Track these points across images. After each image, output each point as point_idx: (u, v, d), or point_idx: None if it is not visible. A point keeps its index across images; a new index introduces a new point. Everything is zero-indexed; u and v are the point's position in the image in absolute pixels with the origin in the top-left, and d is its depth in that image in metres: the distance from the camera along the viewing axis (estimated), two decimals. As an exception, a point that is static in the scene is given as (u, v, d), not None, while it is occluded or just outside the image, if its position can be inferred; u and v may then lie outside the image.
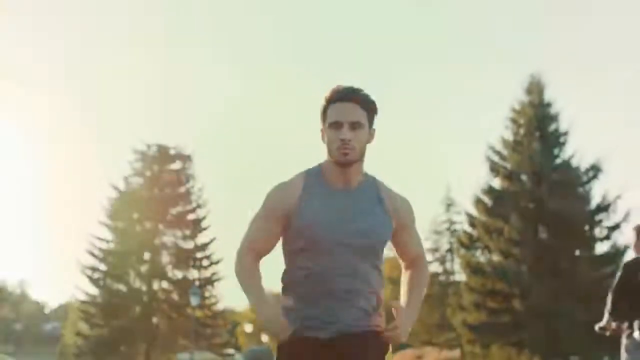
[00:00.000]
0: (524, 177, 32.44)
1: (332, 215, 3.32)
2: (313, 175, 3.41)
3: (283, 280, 3.44)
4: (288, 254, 3.42)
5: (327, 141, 3.36)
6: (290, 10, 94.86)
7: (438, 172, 76.01)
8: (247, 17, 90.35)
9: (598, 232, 32.23)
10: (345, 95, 3.32)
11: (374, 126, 3.44)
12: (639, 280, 6.60)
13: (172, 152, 41.73)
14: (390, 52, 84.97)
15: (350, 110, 3.31)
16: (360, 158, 3.37)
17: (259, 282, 3.39)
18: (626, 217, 31.27)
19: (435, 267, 43.57)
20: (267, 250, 3.43)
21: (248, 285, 3.35)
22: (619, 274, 6.78)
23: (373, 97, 3.42)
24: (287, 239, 3.40)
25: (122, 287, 40.01)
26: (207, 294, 40.66)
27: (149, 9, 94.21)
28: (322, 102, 3.39)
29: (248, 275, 3.37)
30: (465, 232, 34.88)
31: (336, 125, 3.31)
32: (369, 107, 3.36)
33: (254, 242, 3.41)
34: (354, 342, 3.31)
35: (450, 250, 42.92)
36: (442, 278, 43.36)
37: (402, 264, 3.61)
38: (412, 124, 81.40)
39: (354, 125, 3.30)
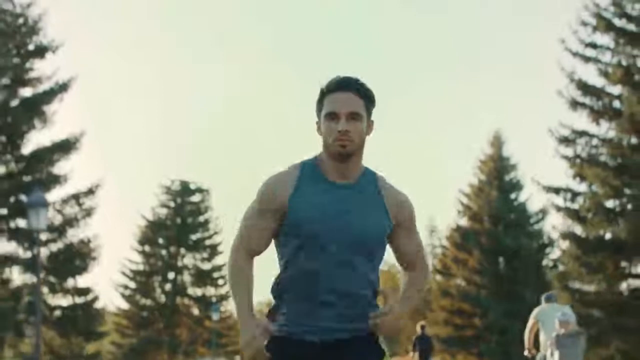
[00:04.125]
0: (485, 218, 42.23)
1: (327, 209, 3.25)
2: (309, 167, 3.33)
3: (277, 278, 3.38)
4: (282, 251, 3.36)
5: (324, 133, 3.28)
6: (292, 20, 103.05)
7: (424, 200, 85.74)
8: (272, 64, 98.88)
9: (545, 262, 41.93)
10: (343, 85, 3.27)
11: (372, 118, 3.34)
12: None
13: (192, 186, 50.10)
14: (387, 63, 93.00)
15: (348, 101, 3.24)
16: (359, 151, 3.29)
17: (247, 290, 3.33)
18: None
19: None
20: (262, 247, 3.37)
21: (235, 293, 3.33)
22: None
23: (371, 87, 3.33)
24: (280, 234, 3.33)
25: (149, 302, 48.02)
26: (222, 309, 49.84)
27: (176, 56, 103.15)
28: (319, 92, 3.32)
29: (237, 279, 3.33)
30: (440, 260, 44.80)
31: (333, 116, 3.23)
32: (368, 97, 3.29)
33: (247, 240, 3.35)
34: (351, 348, 3.28)
35: (433, 272, 52.78)
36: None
37: (401, 267, 3.52)
38: (404, 145, 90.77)
39: (352, 116, 3.23)
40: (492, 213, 41.84)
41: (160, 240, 48.78)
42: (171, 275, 48.63)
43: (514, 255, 41.22)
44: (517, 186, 43.14)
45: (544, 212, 42.01)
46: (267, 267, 3.63)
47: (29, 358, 20.41)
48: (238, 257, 3.36)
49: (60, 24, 69.97)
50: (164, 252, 48.73)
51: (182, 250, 48.84)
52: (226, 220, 55.44)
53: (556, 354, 11.76)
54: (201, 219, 49.81)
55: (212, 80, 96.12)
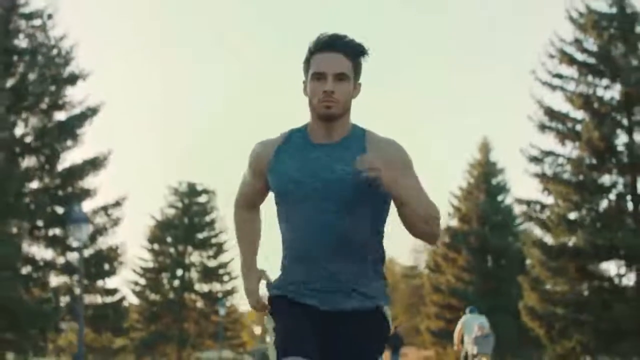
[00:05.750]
0: (473, 219, 46.49)
1: (303, 167, 3.31)
2: (295, 132, 3.41)
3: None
4: (276, 212, 3.45)
5: (310, 93, 3.30)
6: (293, 20, 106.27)
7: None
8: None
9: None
10: (330, 44, 3.27)
11: (360, 80, 3.35)
12: None
13: (199, 188, 53.23)
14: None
15: (334, 61, 3.25)
16: (345, 112, 3.30)
17: (250, 241, 3.59)
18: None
19: (417, 282, 57.62)
20: (257, 202, 3.60)
21: (240, 243, 3.60)
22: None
23: (362, 43, 3.32)
24: (271, 195, 3.47)
25: (158, 298, 50.95)
26: (227, 304, 53.44)
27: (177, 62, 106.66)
28: (306, 51, 3.32)
29: (240, 232, 3.62)
30: (432, 258, 49.12)
31: (319, 76, 3.25)
32: (356, 57, 3.30)
33: (243, 195, 3.59)
34: (348, 323, 3.30)
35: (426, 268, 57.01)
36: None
37: (406, 227, 3.33)
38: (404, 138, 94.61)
39: (339, 77, 3.24)
40: (480, 214, 46.07)
41: (169, 239, 51.72)
42: (179, 272, 51.55)
43: (500, 254, 45.51)
44: (503, 189, 47.42)
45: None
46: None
47: (76, 356, 24.25)
48: (239, 211, 3.63)
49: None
50: (172, 250, 51.61)
51: (190, 249, 51.81)
52: (231, 220, 58.53)
53: (475, 348, 17.48)
54: (207, 218, 52.86)
55: (213, 82, 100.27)
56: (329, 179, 3.28)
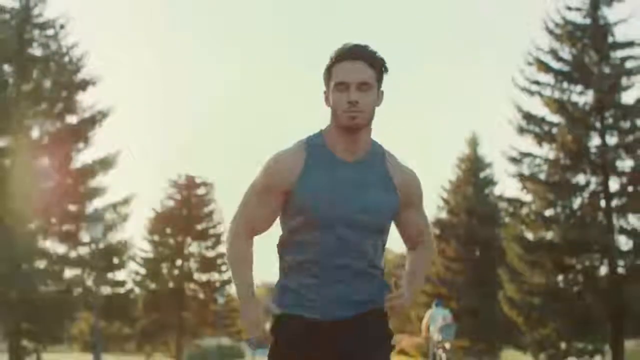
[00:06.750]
0: (461, 212, 49.17)
1: (335, 189, 3.28)
2: (315, 145, 3.35)
3: (282, 258, 3.44)
4: (288, 231, 3.41)
5: (333, 104, 3.29)
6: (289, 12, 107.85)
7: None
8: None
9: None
10: (353, 53, 3.28)
11: (382, 88, 3.36)
12: None
13: (197, 180, 54.62)
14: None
15: (358, 70, 3.26)
16: (369, 122, 3.32)
17: (247, 274, 3.39)
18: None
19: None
20: (265, 229, 3.44)
21: (236, 276, 3.42)
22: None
23: (382, 55, 3.34)
24: (286, 214, 3.39)
25: (158, 287, 52.29)
26: (225, 293, 54.06)
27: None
28: (328, 61, 3.31)
29: (239, 263, 3.42)
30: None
31: (343, 86, 3.25)
32: (379, 66, 3.32)
33: (251, 220, 3.39)
34: (357, 331, 3.34)
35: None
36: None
37: (406, 245, 3.59)
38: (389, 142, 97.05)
39: (363, 87, 3.25)
40: (468, 207, 48.77)
41: (168, 230, 52.98)
42: (178, 262, 52.75)
43: (487, 245, 48.23)
44: (490, 183, 50.16)
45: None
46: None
47: (94, 344, 26.82)
48: (238, 242, 3.44)
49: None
50: (171, 241, 52.98)
51: (188, 239, 53.03)
52: (228, 212, 60.27)
53: (440, 336, 20.85)
54: (205, 210, 54.12)
55: (214, 77, 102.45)
56: (363, 205, 3.33)
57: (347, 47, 3.31)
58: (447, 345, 21.35)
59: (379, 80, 3.35)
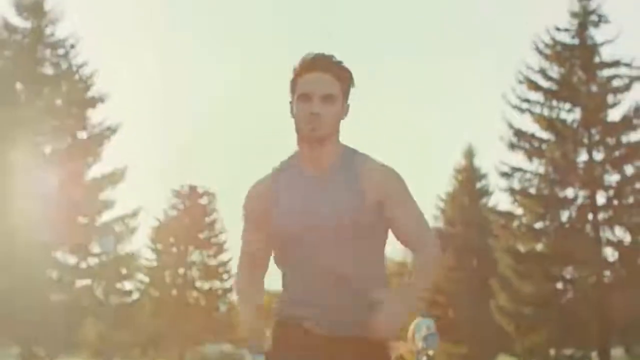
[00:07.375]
0: (457, 222, 50.72)
1: (299, 204, 3.30)
2: (285, 165, 3.38)
3: (282, 273, 3.46)
4: (275, 250, 3.44)
5: (295, 115, 3.27)
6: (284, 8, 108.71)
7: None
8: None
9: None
10: (317, 65, 3.23)
11: (349, 101, 3.31)
12: None
13: (200, 190, 55.79)
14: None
15: (321, 82, 3.21)
16: (332, 135, 3.28)
17: (252, 307, 3.41)
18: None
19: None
20: (266, 260, 3.49)
21: (242, 308, 3.49)
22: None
23: (348, 67, 3.27)
24: (270, 236, 3.40)
25: (161, 295, 53.47)
26: (227, 300, 54.95)
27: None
28: (292, 71, 3.27)
29: (242, 298, 3.48)
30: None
31: (305, 98, 3.22)
32: (344, 78, 3.26)
33: (249, 257, 3.47)
34: (354, 348, 3.29)
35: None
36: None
37: (407, 247, 3.49)
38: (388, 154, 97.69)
39: (326, 99, 3.21)
40: (465, 217, 50.32)
41: (172, 239, 54.18)
42: (181, 270, 54.00)
43: (483, 254, 49.70)
44: (486, 193, 51.73)
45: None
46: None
47: (102, 351, 28.34)
48: (241, 281, 3.51)
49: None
50: (174, 249, 54.19)
51: (191, 248, 54.31)
52: (230, 221, 61.08)
53: (424, 344, 21.69)
54: (208, 219, 55.36)
55: (215, 84, 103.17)
56: (324, 216, 3.28)
57: (311, 57, 3.29)
58: (431, 353, 22.92)
59: (345, 92, 3.32)
